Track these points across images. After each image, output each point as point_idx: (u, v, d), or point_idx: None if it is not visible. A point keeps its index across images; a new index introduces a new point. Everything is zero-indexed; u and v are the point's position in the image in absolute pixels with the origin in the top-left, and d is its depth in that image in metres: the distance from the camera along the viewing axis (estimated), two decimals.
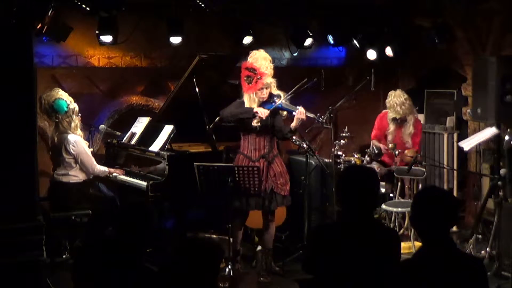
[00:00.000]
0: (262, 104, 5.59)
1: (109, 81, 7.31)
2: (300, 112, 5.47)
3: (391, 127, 7.04)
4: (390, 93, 7.00)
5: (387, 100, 7.00)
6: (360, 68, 7.70)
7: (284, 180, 5.69)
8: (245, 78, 5.57)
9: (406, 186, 6.91)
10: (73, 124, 6.13)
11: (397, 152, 6.64)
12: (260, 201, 5.58)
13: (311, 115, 5.54)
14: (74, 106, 6.18)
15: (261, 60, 5.57)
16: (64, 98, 6.15)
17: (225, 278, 5.38)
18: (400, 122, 6.99)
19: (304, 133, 6.61)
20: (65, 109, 6.09)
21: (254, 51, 5.69)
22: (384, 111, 7.25)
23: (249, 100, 5.60)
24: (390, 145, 6.86)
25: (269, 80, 5.59)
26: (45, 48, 6.61)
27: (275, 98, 5.57)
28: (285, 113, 5.69)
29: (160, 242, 5.72)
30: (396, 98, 6.90)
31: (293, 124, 5.57)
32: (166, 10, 6.49)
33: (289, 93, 5.66)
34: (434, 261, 2.99)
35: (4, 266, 4.86)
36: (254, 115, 5.50)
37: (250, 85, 5.54)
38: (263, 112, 5.47)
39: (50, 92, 6.18)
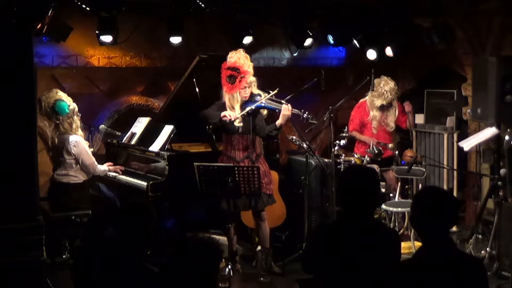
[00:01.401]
0: (244, 103, 5.59)
1: (109, 81, 7.31)
2: (285, 109, 5.46)
3: (377, 114, 7.03)
4: (376, 81, 6.91)
5: (374, 89, 6.93)
6: (360, 68, 7.69)
7: (268, 180, 5.69)
8: (227, 79, 5.56)
9: (387, 176, 6.98)
10: (74, 125, 6.13)
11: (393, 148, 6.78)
12: (247, 202, 5.57)
13: (296, 111, 5.53)
14: (74, 106, 6.18)
15: (243, 59, 5.60)
16: (64, 99, 6.14)
17: (225, 278, 5.37)
18: (386, 107, 7.00)
19: (304, 133, 6.60)
20: (67, 110, 6.09)
21: (233, 52, 5.70)
22: (361, 100, 7.22)
23: (231, 100, 5.60)
24: (390, 145, 6.87)
25: (252, 78, 5.61)
26: (45, 48, 6.62)
27: (256, 97, 5.58)
28: (265, 111, 5.69)
29: (160, 242, 5.72)
30: (385, 86, 6.91)
31: (278, 121, 5.56)
32: (166, 10, 6.50)
33: (273, 93, 5.65)
34: (434, 261, 2.99)
35: (4, 266, 4.85)
36: (220, 120, 5.55)
37: (233, 84, 5.54)
38: (231, 115, 5.50)
39: (48, 93, 6.17)
